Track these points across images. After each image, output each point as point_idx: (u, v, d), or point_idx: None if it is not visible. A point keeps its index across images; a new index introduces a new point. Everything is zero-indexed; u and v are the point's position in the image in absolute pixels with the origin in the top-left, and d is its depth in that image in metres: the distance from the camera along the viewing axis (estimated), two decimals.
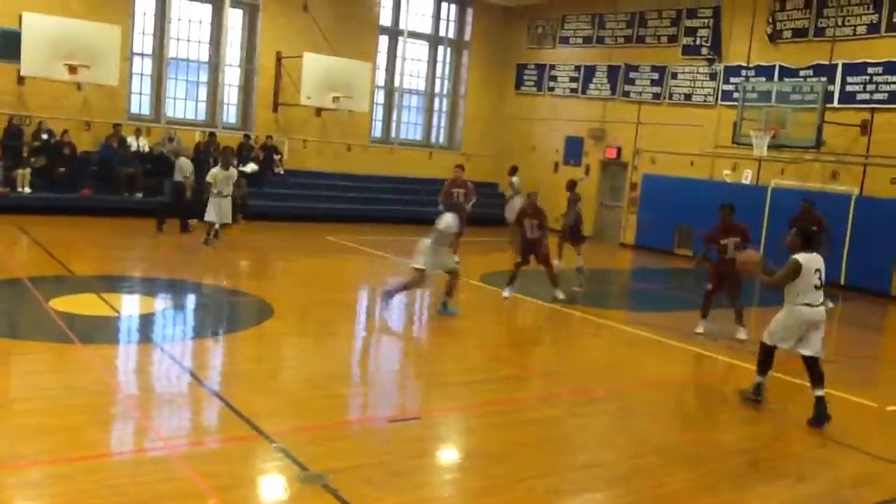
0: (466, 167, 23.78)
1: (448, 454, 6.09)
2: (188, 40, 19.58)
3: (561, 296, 11.67)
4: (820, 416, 6.95)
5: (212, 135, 18.62)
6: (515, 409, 6.99)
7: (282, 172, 19.21)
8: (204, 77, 20.03)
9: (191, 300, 10.89)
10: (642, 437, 6.57)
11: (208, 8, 19.67)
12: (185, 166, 15.49)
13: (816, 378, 7.03)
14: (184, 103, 19.85)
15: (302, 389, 7.08)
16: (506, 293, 11.52)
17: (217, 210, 14.00)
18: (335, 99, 19.10)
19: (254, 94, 20.25)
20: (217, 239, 14.01)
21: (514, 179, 20.71)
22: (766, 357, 7.36)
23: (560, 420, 6.77)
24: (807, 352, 7.07)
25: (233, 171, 14.58)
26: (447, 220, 9.94)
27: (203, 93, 20.06)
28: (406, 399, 7.38)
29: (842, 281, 14.93)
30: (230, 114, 20.40)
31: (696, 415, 7.66)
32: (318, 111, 19.77)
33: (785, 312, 7.18)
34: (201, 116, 20.03)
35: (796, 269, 6.99)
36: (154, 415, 6.18)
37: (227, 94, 20.19)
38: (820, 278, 7.09)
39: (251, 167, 18.34)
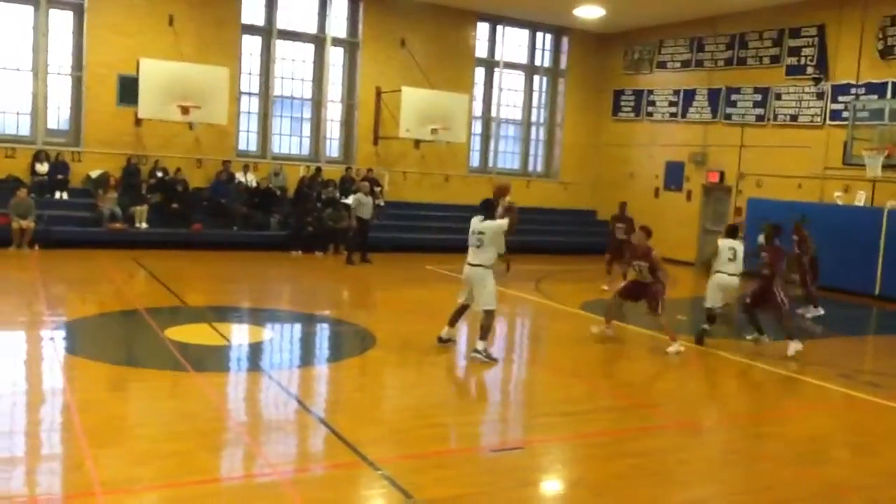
0: (564, 196, 23.97)
1: (551, 485, 6.03)
2: (292, 79, 20.33)
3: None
4: None
5: (318, 169, 19.33)
6: (618, 441, 6.87)
7: (382, 204, 19.59)
8: (307, 113, 20.73)
9: (296, 329, 11.21)
10: (750, 472, 6.35)
11: (310, 48, 20.39)
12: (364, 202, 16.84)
13: None
14: (289, 139, 20.59)
15: (405, 418, 7.17)
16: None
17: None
18: (433, 131, 19.43)
19: (355, 128, 20.81)
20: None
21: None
22: None
23: (663, 452, 6.61)
24: None
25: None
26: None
27: (307, 129, 20.75)
28: (508, 428, 7.36)
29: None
30: (333, 148, 21.01)
31: (809, 450, 7.33)
32: (417, 143, 20.14)
33: None
34: (305, 151, 20.71)
35: None
36: (262, 441, 6.37)
37: (330, 130, 20.82)
38: None
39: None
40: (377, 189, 19.71)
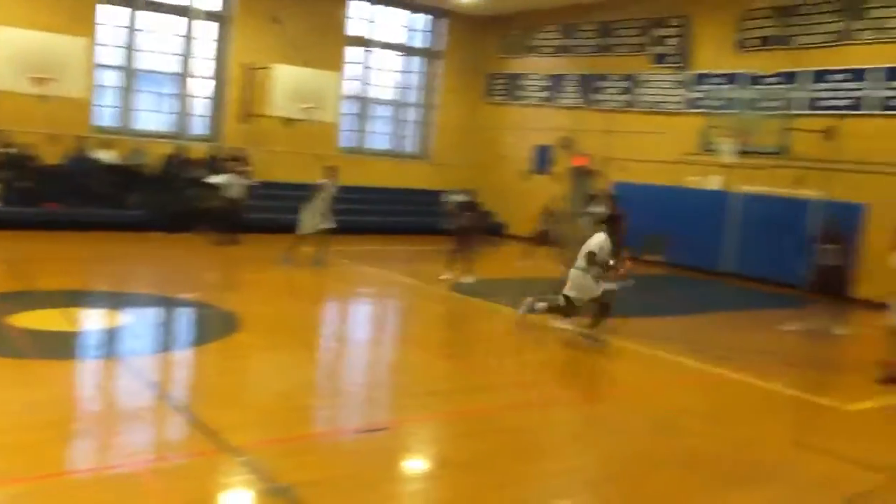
0: (437, 177, 24.00)
1: (417, 464, 6.04)
2: (158, 52, 19.41)
3: None
4: None
5: (184, 147, 18.58)
6: (485, 418, 6.96)
7: (251, 183, 19.01)
8: (173, 89, 19.87)
9: (156, 313, 10.72)
10: (616, 443, 6.56)
11: (179, 20, 19.52)
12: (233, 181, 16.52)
13: None
14: (153, 115, 19.67)
15: (268, 402, 7.00)
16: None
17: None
18: (304, 109, 19.04)
19: (223, 105, 20.13)
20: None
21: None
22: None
23: (533, 428, 6.74)
24: None
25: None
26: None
27: (172, 104, 19.89)
28: (374, 409, 7.30)
29: None
30: (200, 125, 20.25)
31: (667, 421, 7.66)
32: (288, 121, 19.68)
33: None
34: (170, 128, 19.85)
35: None
36: (118, 430, 6.08)
37: (197, 106, 20.05)
38: None
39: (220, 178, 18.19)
40: (246, 168, 19.14)
